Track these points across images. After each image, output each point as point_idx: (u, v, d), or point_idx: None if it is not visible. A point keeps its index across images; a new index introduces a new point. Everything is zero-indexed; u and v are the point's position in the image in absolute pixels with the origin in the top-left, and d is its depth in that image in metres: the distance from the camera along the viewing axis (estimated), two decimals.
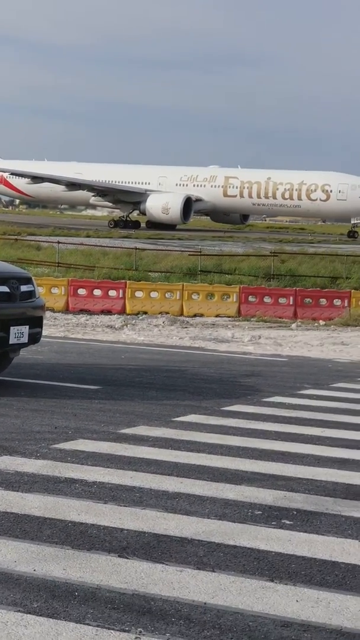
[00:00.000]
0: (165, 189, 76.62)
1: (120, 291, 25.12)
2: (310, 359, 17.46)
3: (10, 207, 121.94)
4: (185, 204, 74.31)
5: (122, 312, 24.60)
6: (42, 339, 13.71)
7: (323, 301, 25.20)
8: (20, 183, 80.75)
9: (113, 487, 7.91)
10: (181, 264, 34.04)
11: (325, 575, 6.08)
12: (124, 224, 75.95)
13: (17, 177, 79.94)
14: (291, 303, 24.97)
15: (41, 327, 13.05)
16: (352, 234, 73.35)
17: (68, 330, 20.79)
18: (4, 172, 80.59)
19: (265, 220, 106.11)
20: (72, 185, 76.73)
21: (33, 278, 13.29)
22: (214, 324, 23.13)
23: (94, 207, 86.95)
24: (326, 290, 27.34)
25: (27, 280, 12.87)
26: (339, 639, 5.16)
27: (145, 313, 24.48)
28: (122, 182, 78.13)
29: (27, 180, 78.29)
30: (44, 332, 15.53)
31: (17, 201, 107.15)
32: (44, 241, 43.43)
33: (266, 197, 75.98)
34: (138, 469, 8.51)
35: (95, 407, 11.45)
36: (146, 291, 25.28)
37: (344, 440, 10.20)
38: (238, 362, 16.51)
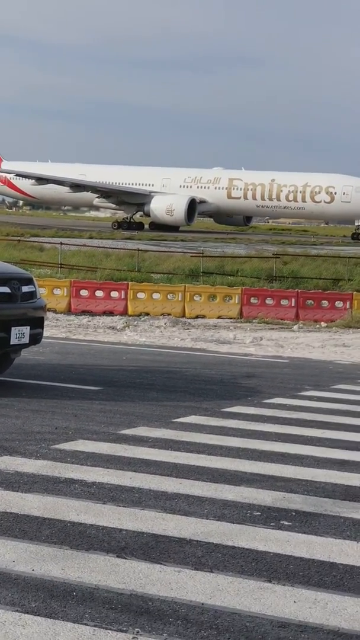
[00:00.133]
0: (169, 191, 76.65)
1: (123, 292, 25.14)
2: (312, 361, 17.47)
3: (14, 208, 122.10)
4: (189, 205, 74.34)
5: (124, 313, 24.61)
6: (43, 339, 13.73)
7: (325, 303, 25.20)
8: (25, 184, 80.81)
9: (112, 487, 7.92)
10: (183, 265, 34.06)
11: (323, 576, 6.09)
12: (127, 226, 76.00)
13: (21, 178, 80.00)
14: (293, 305, 24.98)
15: (42, 327, 13.07)
16: (356, 236, 73.33)
17: (70, 331, 20.80)
18: (9, 173, 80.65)
19: (268, 222, 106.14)
20: (77, 186, 76.79)
21: (34, 279, 13.31)
22: (215, 326, 23.14)
23: (97, 208, 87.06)
24: (328, 292, 27.36)
25: (29, 281, 12.89)
26: (336, 639, 5.17)
27: (147, 314, 24.50)
28: (125, 184, 78.17)
29: (31, 181, 78.34)
30: (46, 333, 15.55)
31: (21, 202, 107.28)
32: (46, 242, 43.47)
33: (270, 199, 75.96)
34: (137, 470, 8.52)
35: (96, 407, 11.46)
36: (148, 292, 25.30)
37: (343, 441, 10.20)
38: (239, 364, 16.52)
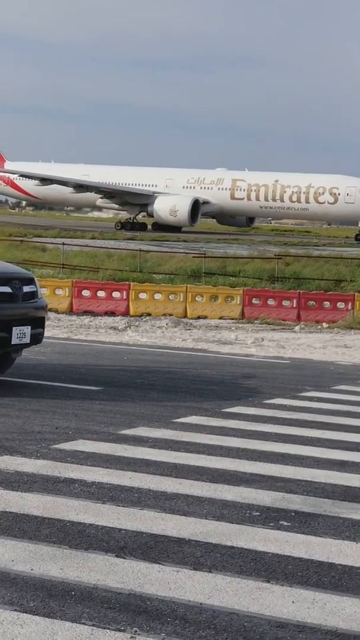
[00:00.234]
0: (172, 192, 76.64)
1: (124, 293, 25.15)
2: (313, 362, 17.47)
3: (17, 209, 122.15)
4: (193, 206, 74.35)
5: (126, 313, 24.63)
6: (45, 340, 13.74)
7: (327, 304, 25.20)
8: (28, 185, 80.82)
9: (112, 487, 7.93)
10: (185, 266, 34.07)
11: (322, 577, 6.10)
12: (130, 226, 76.02)
13: (24, 178, 80.00)
14: (295, 306, 24.98)
15: (43, 327, 13.08)
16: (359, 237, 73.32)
17: (71, 331, 20.82)
18: (14, 174, 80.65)
19: (271, 223, 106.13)
20: (80, 187, 76.81)
21: (36, 279, 13.32)
22: (217, 326, 23.15)
23: (99, 209, 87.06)
24: (330, 293, 27.36)
25: (30, 281, 12.90)
26: (333, 639, 5.18)
27: (149, 315, 24.51)
28: (128, 184, 78.16)
29: (35, 182, 78.35)
30: (47, 333, 15.57)
31: (24, 203, 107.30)
32: (49, 243, 43.49)
33: (273, 200, 75.91)
34: (137, 470, 8.53)
35: (96, 407, 11.47)
36: (150, 293, 25.31)
37: (343, 442, 10.21)
38: (240, 364, 16.53)
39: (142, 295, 25.21)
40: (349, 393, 13.63)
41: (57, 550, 6.32)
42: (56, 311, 24.13)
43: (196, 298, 25.31)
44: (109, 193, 77.81)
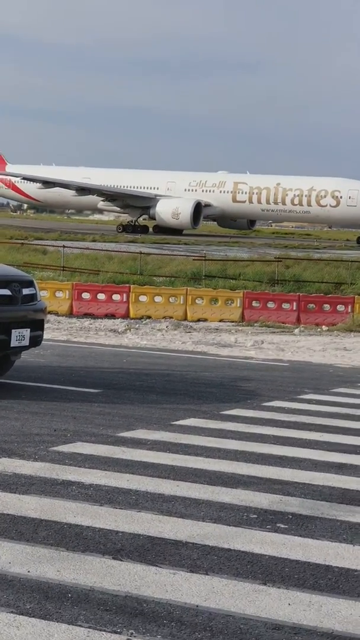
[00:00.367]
0: (174, 194, 76.69)
1: (124, 295, 25.17)
2: (312, 364, 17.48)
3: (18, 211, 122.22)
4: (195, 209, 74.39)
5: (126, 316, 24.64)
6: (44, 342, 13.75)
7: (326, 307, 25.21)
8: (29, 188, 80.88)
9: (109, 489, 7.94)
10: (186, 268, 34.08)
11: (318, 579, 6.10)
12: (132, 229, 76.09)
13: (25, 181, 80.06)
14: (294, 308, 24.99)
15: (42, 330, 13.09)
16: None
17: (71, 334, 20.83)
18: (16, 177, 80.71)
19: (272, 226, 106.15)
20: (82, 190, 76.87)
21: (35, 281, 13.34)
22: (217, 329, 23.16)
23: (100, 211, 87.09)
24: (330, 295, 27.37)
25: (29, 284, 12.92)
26: None
27: (149, 317, 24.52)
28: (130, 187, 78.23)
29: (38, 185, 78.41)
30: (47, 336, 15.59)
31: (25, 206, 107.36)
32: (49, 245, 43.51)
33: (275, 202, 75.97)
34: (135, 472, 8.54)
35: (95, 410, 11.49)
36: (150, 295, 25.32)
37: (342, 445, 10.22)
38: (239, 367, 16.54)
39: (142, 298, 25.22)
40: (347, 396, 13.64)
41: (54, 553, 6.33)
42: (56, 314, 24.15)
43: (196, 301, 25.33)
44: (111, 196, 77.86)
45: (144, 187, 78.46)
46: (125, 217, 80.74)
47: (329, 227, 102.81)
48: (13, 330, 12.30)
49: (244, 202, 76.90)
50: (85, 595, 5.62)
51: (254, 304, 25.28)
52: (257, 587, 5.90)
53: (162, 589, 5.78)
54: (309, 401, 12.93)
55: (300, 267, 36.75)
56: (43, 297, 21.92)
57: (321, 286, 31.12)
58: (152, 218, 77.24)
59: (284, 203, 75.71)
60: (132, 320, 23.93)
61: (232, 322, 24.58)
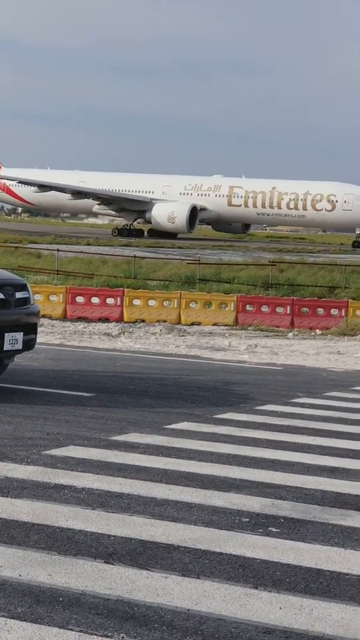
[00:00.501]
0: (169, 198, 76.75)
1: (118, 299, 25.16)
2: (305, 368, 17.50)
3: (13, 215, 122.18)
4: (190, 212, 74.45)
5: (120, 320, 24.64)
6: (38, 346, 13.75)
7: (320, 310, 25.23)
8: (24, 191, 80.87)
9: (102, 493, 7.94)
10: (180, 272, 34.10)
11: (310, 583, 6.11)
12: (127, 233, 76.12)
13: (20, 185, 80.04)
14: (288, 312, 25.00)
15: (36, 333, 13.09)
16: (357, 244, 73.52)
17: (65, 337, 20.82)
18: (12, 180, 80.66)
19: (266, 230, 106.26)
20: (78, 193, 76.89)
21: (28, 285, 13.34)
22: (211, 333, 23.16)
23: (95, 215, 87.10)
24: (323, 299, 27.38)
25: (22, 287, 12.92)
26: None
27: (143, 321, 24.52)
28: (125, 191, 78.27)
29: (33, 188, 78.39)
30: (41, 339, 15.58)
31: (20, 209, 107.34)
32: (44, 249, 43.49)
33: (271, 206, 76.07)
34: (127, 476, 8.54)
35: (88, 414, 11.49)
36: (144, 299, 25.32)
37: (334, 448, 10.22)
38: (233, 371, 16.55)
39: (136, 302, 25.22)
40: (340, 399, 13.65)
41: (45, 556, 6.33)
42: (50, 317, 24.15)
43: (190, 304, 25.33)
44: (107, 199, 77.89)
45: (139, 191, 78.49)
46: (120, 221, 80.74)
47: (323, 231, 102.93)
48: (6, 334, 12.29)
49: (240, 206, 76.99)
50: (76, 599, 5.62)
51: (248, 307, 25.29)
52: (249, 591, 5.91)
53: (154, 592, 5.79)
54: (302, 405, 12.95)
55: (294, 271, 36.77)
56: (37, 301, 21.90)
57: (315, 290, 31.14)
58: (148, 222, 77.29)
59: (279, 207, 75.81)
60: (125, 324, 23.93)
61: (226, 325, 24.59)
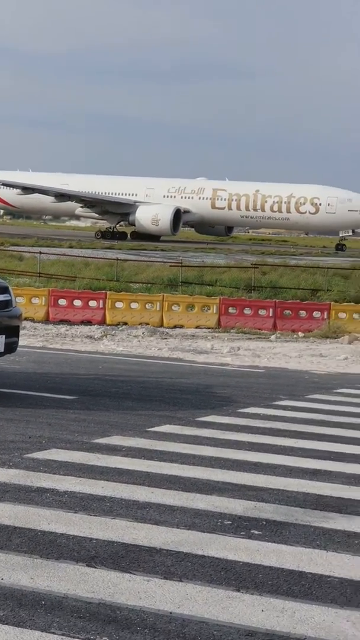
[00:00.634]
0: (152, 201, 76.74)
1: (101, 302, 25.15)
2: (288, 371, 17.53)
3: None
4: (174, 215, 74.47)
5: (102, 322, 24.62)
6: (20, 348, 13.72)
7: (303, 313, 25.28)
8: (7, 194, 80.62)
9: (84, 496, 7.93)
10: (162, 275, 34.10)
11: (292, 585, 6.12)
12: (111, 235, 76.06)
13: (3, 187, 79.78)
14: (271, 315, 25.04)
15: (18, 336, 13.07)
16: (340, 247, 73.74)
17: (47, 340, 20.79)
18: None
19: (248, 232, 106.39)
20: (62, 196, 76.77)
21: (10, 287, 13.31)
22: (193, 335, 23.18)
23: (77, 217, 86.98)
24: (306, 302, 27.45)
25: (4, 290, 12.89)
26: None
27: (126, 324, 24.52)
28: (108, 193, 78.19)
29: (17, 191, 78.17)
30: (23, 342, 15.54)
31: (1, 212, 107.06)
32: (26, 252, 43.41)
33: (254, 209, 76.17)
34: (110, 479, 8.54)
35: (70, 416, 11.47)
36: (126, 302, 25.31)
37: (316, 451, 10.25)
38: (215, 373, 16.56)
39: (119, 304, 25.21)
40: (322, 402, 13.68)
41: (27, 560, 6.32)
42: (32, 320, 24.10)
43: (172, 307, 25.34)
44: (90, 202, 77.79)
45: (122, 194, 78.44)
46: (103, 224, 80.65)
47: (306, 234, 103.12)
48: None
49: (223, 208, 77.06)
50: (58, 602, 5.62)
51: (231, 310, 25.32)
52: (231, 593, 5.91)
53: (136, 595, 5.79)
54: (284, 407, 12.97)
55: (276, 274, 36.84)
56: (19, 304, 21.85)
57: (297, 292, 31.22)
58: (131, 224, 77.24)
59: (263, 210, 75.92)
60: (108, 327, 23.91)
61: (209, 328, 24.61)
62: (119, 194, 78.35)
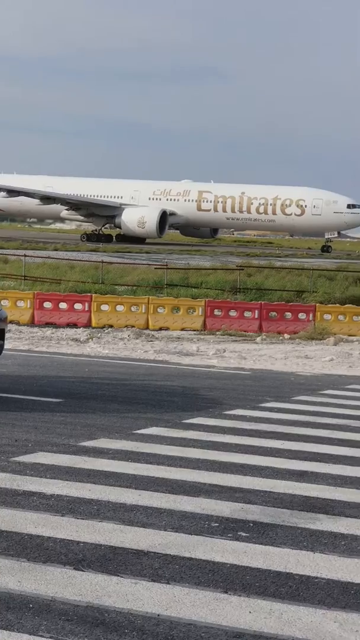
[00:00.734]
0: (138, 203, 76.71)
1: (86, 304, 25.13)
2: (273, 372, 17.55)
3: None
4: (160, 217, 74.47)
5: (88, 325, 24.60)
6: (5, 352, 13.69)
7: (288, 315, 25.33)
8: None
9: (71, 499, 7.93)
10: (148, 277, 34.09)
11: (279, 587, 6.13)
12: (96, 238, 75.97)
13: None
14: (256, 317, 25.07)
15: (3, 339, 13.06)
16: (326, 249, 73.92)
17: (33, 343, 20.76)
18: None
19: (233, 234, 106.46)
20: (47, 199, 76.65)
21: None
22: (179, 338, 23.19)
23: (62, 220, 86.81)
24: (291, 304, 27.49)
25: None
26: None
27: (111, 326, 24.51)
28: (93, 196, 78.12)
29: (2, 194, 77.99)
30: (8, 345, 15.52)
31: None
32: (11, 254, 43.32)
33: (240, 211, 76.26)
34: (97, 482, 8.54)
35: (57, 419, 11.46)
36: (112, 304, 25.31)
37: (303, 452, 10.27)
38: (201, 376, 16.58)
39: (104, 307, 25.20)
40: (308, 404, 13.71)
41: (15, 563, 6.31)
42: (18, 323, 24.06)
43: (158, 309, 25.34)
44: (76, 205, 77.68)
45: (107, 196, 78.37)
46: (88, 226, 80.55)
47: (291, 236, 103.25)
48: None
49: (209, 210, 77.12)
50: (46, 605, 5.62)
51: (216, 312, 25.34)
52: (219, 595, 5.92)
53: (124, 598, 5.79)
54: (271, 409, 12.99)
55: (262, 276, 36.89)
56: (4, 307, 21.85)
57: (283, 294, 31.25)
58: (117, 227, 77.17)
59: (249, 212, 76.02)
60: (94, 329, 23.90)
61: (194, 330, 24.62)
62: (104, 196, 78.30)
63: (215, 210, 76.90)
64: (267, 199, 75.38)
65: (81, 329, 24.00)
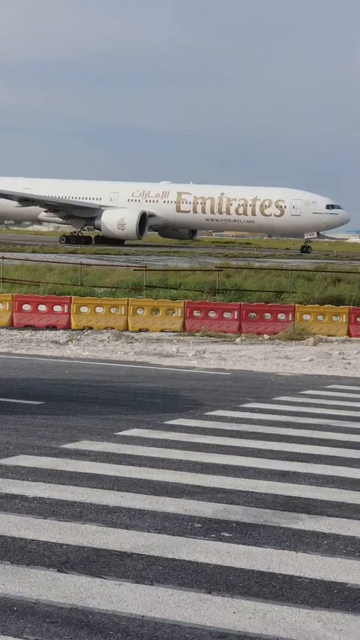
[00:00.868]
0: (117, 205, 76.64)
1: (66, 306, 25.09)
2: (253, 373, 17.58)
3: None
4: (140, 219, 74.43)
5: (68, 327, 24.57)
6: None
7: (267, 315, 25.36)
8: None
9: (53, 502, 7.92)
10: (127, 279, 34.05)
11: (263, 587, 6.15)
12: (76, 240, 75.84)
13: None
14: (236, 318, 25.10)
15: None
16: (305, 249, 74.11)
17: (12, 346, 20.71)
18: None
19: (212, 235, 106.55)
20: (26, 201, 76.43)
21: None
22: (158, 339, 23.18)
23: (40, 222, 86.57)
24: (270, 304, 27.52)
25: None
26: None
27: (91, 328, 24.48)
28: (72, 198, 77.98)
29: None
30: None
31: None
32: None
33: (220, 212, 76.30)
34: (79, 484, 8.53)
35: (38, 422, 11.44)
36: (91, 306, 25.28)
37: (284, 452, 10.29)
38: (182, 377, 16.58)
39: (84, 309, 25.17)
40: (289, 404, 13.74)
41: None
42: None
43: (137, 311, 25.33)
44: (55, 206, 77.52)
45: (86, 198, 78.24)
46: (66, 228, 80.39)
47: (269, 236, 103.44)
48: None
49: (188, 212, 77.13)
50: (30, 607, 5.61)
51: (195, 313, 25.35)
52: (202, 596, 5.93)
53: (108, 600, 5.79)
54: (252, 410, 13.01)
55: (241, 276, 36.91)
56: None
57: (262, 295, 31.29)
58: (97, 228, 77.06)
59: (228, 213, 76.07)
60: (73, 332, 23.87)
61: (174, 332, 24.62)
62: (83, 198, 78.18)
63: (195, 211, 76.93)
64: (246, 200, 75.49)
65: (61, 331, 23.96)
